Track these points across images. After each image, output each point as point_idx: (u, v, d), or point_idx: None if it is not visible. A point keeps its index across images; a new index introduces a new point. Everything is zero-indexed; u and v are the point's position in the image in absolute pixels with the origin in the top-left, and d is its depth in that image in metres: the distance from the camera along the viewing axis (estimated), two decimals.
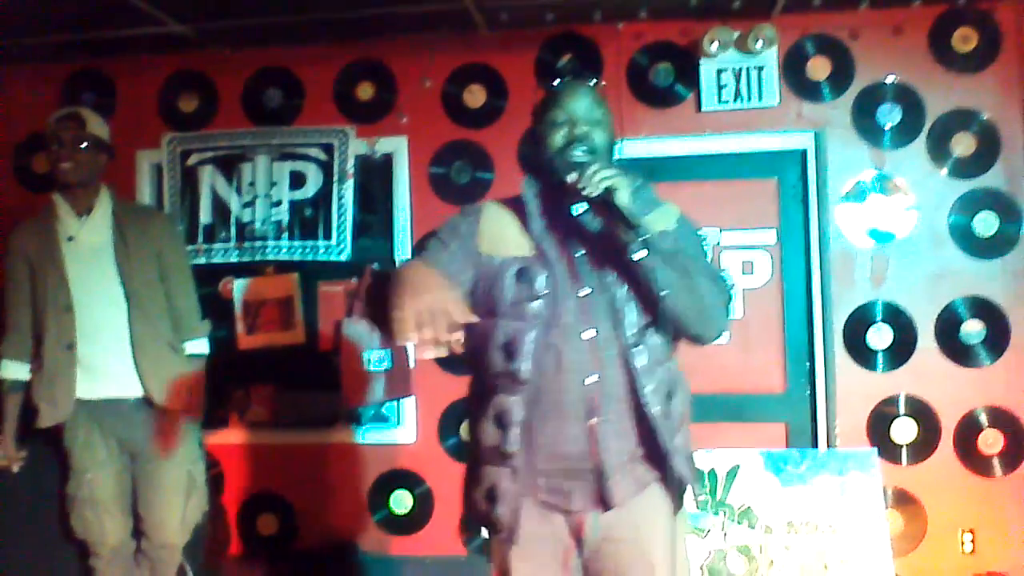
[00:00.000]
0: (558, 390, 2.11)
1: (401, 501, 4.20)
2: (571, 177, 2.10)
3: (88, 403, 3.23)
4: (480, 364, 2.22)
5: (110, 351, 3.23)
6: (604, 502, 2.16)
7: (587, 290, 2.14)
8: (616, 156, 2.31)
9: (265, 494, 4.26)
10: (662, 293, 2.07)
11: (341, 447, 4.24)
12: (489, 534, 2.32)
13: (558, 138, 2.21)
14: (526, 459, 2.15)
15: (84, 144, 3.23)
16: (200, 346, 3.45)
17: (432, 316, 1.84)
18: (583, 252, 2.18)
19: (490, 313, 2.17)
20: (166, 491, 3.30)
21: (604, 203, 2.06)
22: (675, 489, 2.20)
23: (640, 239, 2.03)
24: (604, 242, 2.14)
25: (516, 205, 2.30)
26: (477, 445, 2.25)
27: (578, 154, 2.15)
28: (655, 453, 2.16)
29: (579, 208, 2.13)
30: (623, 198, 2.04)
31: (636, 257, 2.03)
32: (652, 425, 2.13)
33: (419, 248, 2.30)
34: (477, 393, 2.28)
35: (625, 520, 2.19)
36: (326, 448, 4.24)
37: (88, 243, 3.27)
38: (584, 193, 2.07)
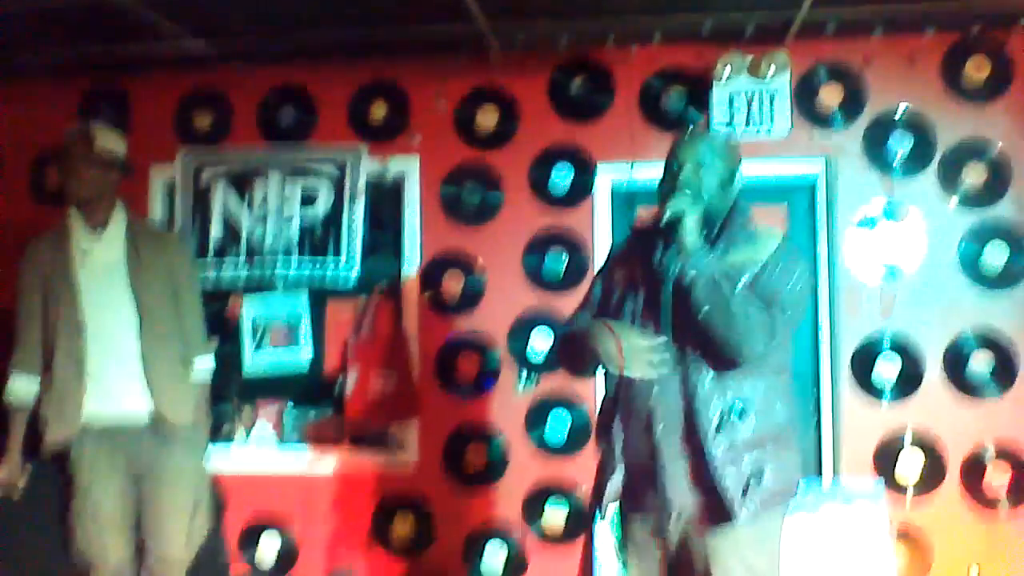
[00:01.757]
0: (632, 399, 2.44)
1: (403, 524, 4.20)
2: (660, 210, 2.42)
3: (95, 421, 3.24)
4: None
5: (120, 367, 3.24)
6: (667, 508, 2.41)
7: (656, 317, 2.43)
8: (735, 189, 2.53)
9: (267, 517, 4.27)
10: (701, 314, 2.31)
11: (344, 469, 4.25)
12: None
13: (663, 184, 2.51)
14: (617, 455, 2.48)
15: (92, 161, 3.24)
16: (206, 364, 3.47)
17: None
18: (658, 280, 2.44)
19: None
20: (170, 510, 3.31)
21: (670, 230, 2.37)
22: (727, 507, 2.34)
23: (688, 265, 2.32)
24: (665, 270, 2.42)
25: (637, 236, 2.67)
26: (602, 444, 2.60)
27: (677, 195, 2.41)
28: (703, 477, 2.35)
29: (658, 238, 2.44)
30: (687, 224, 2.35)
31: (685, 281, 2.33)
32: (703, 448, 2.34)
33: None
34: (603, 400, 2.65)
35: (696, 537, 2.41)
36: (329, 469, 4.25)
37: (101, 259, 3.28)
38: (661, 223, 2.39)
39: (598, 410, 2.63)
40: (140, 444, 3.26)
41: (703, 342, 2.35)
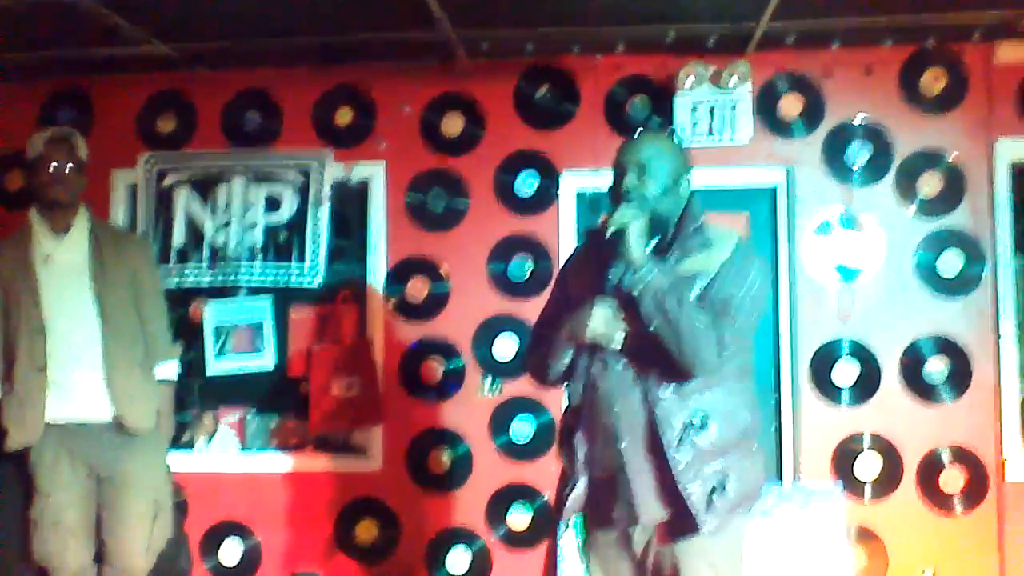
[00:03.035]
0: (595, 411, 2.43)
1: (367, 530, 4.19)
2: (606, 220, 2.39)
3: (57, 426, 3.21)
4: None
5: (82, 372, 3.21)
6: (634, 519, 2.41)
7: (620, 328, 2.40)
8: (683, 194, 2.49)
9: (230, 522, 4.24)
10: (651, 328, 2.31)
11: (307, 474, 4.23)
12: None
13: (610, 190, 2.49)
14: (579, 467, 2.47)
15: (73, 167, 3.25)
16: (170, 369, 3.45)
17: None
18: (615, 292, 2.41)
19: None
20: (132, 516, 3.28)
21: (616, 242, 2.34)
22: (692, 518, 2.34)
23: (634, 277, 2.31)
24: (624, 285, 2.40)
25: (590, 243, 2.68)
26: (565, 456, 2.59)
27: (621, 205, 2.38)
28: (670, 488, 2.35)
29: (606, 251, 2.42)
30: (629, 238, 2.32)
31: (633, 292, 2.32)
32: (668, 459, 2.34)
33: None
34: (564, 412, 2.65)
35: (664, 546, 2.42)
36: (292, 476, 4.24)
37: (64, 262, 3.26)
38: (607, 234, 2.35)
39: (560, 422, 2.63)
40: (101, 448, 3.24)
41: (655, 355, 2.34)
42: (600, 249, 2.46)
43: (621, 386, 2.39)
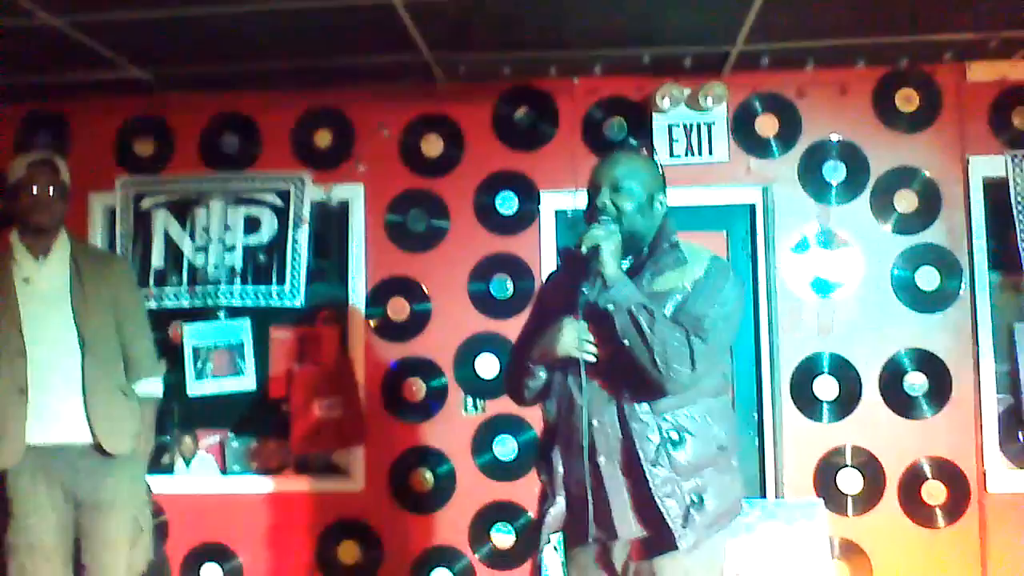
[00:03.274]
0: (571, 429, 2.43)
1: (349, 551, 4.15)
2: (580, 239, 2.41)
3: (35, 448, 3.16)
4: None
5: (61, 395, 3.17)
6: (611, 534, 2.40)
7: (593, 345, 2.42)
8: (658, 212, 2.52)
9: (211, 544, 4.19)
10: (623, 342, 2.33)
11: (289, 495, 4.20)
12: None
13: (585, 210, 2.52)
14: (558, 485, 2.48)
15: (56, 191, 3.23)
16: (155, 385, 3.42)
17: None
18: (590, 310, 2.42)
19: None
20: (111, 540, 3.22)
21: (590, 260, 2.37)
22: (670, 536, 2.35)
23: (607, 295, 2.34)
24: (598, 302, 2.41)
25: (566, 263, 2.65)
26: (542, 470, 2.59)
27: (596, 224, 2.42)
28: (646, 503, 2.36)
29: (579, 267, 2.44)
30: (603, 255, 2.34)
31: (607, 309, 2.34)
32: (646, 475, 2.34)
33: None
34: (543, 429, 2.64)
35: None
36: (273, 497, 4.20)
37: (44, 286, 3.23)
38: (581, 252, 2.38)
39: (539, 439, 2.63)
40: (78, 472, 3.19)
41: (629, 372, 2.35)
42: (576, 267, 2.46)
43: (597, 403, 2.40)
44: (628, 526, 2.39)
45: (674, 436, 2.37)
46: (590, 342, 2.40)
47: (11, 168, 3.24)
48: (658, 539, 2.37)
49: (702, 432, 2.40)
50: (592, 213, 2.47)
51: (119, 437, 3.24)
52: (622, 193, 2.45)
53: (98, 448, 3.19)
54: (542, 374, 2.52)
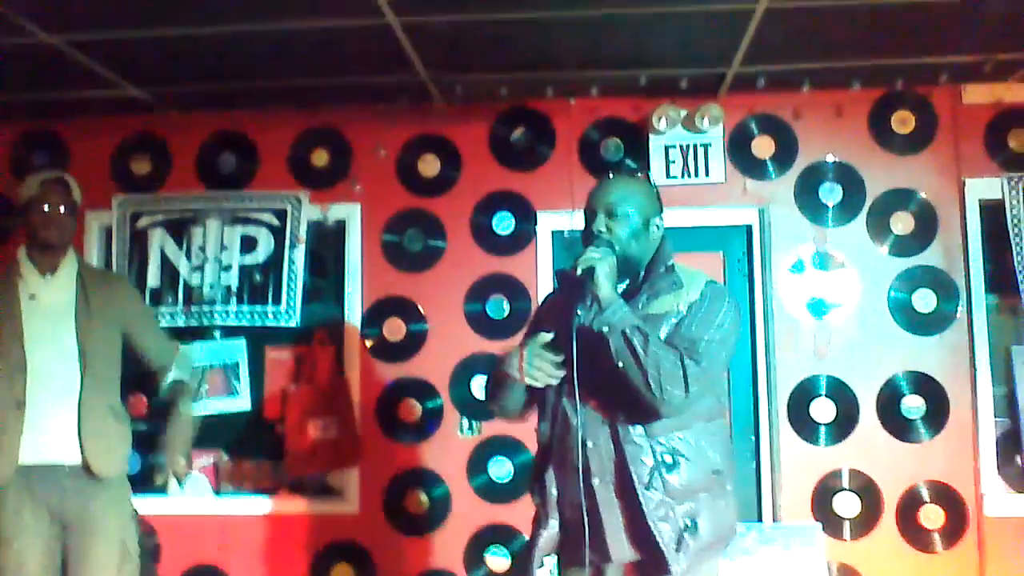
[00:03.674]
0: (566, 450, 2.42)
1: (343, 573, 4.12)
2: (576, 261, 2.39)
3: (23, 469, 3.14)
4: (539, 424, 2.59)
5: (55, 412, 3.15)
6: (605, 557, 2.40)
7: (589, 365, 2.38)
8: (654, 235, 2.52)
9: (204, 566, 4.15)
10: (618, 364, 2.31)
11: (283, 517, 4.17)
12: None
13: (584, 230, 2.51)
14: (551, 507, 2.48)
15: (67, 209, 3.25)
16: (181, 373, 3.47)
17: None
18: (585, 332, 2.40)
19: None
20: (98, 563, 3.18)
21: (585, 282, 2.35)
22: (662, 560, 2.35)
23: (601, 316, 2.32)
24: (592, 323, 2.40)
25: (561, 286, 2.65)
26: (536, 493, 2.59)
27: (591, 247, 2.40)
28: (639, 526, 2.35)
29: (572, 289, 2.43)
30: (598, 277, 2.32)
31: (602, 331, 2.32)
32: (639, 498, 2.34)
33: None
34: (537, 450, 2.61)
35: None
36: (267, 518, 4.17)
37: (49, 302, 3.22)
38: (576, 274, 2.37)
39: (532, 463, 2.61)
40: (64, 494, 3.16)
41: (623, 394, 2.34)
42: (572, 289, 2.46)
43: (591, 425, 2.39)
44: (622, 549, 2.38)
45: (668, 459, 2.36)
46: (555, 363, 2.39)
47: (24, 185, 3.25)
48: (651, 563, 2.36)
49: (696, 456, 2.39)
50: (588, 236, 2.47)
51: (108, 458, 3.21)
52: (617, 218, 2.45)
53: (86, 469, 3.16)
54: (517, 396, 2.53)
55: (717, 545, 2.44)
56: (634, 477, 2.34)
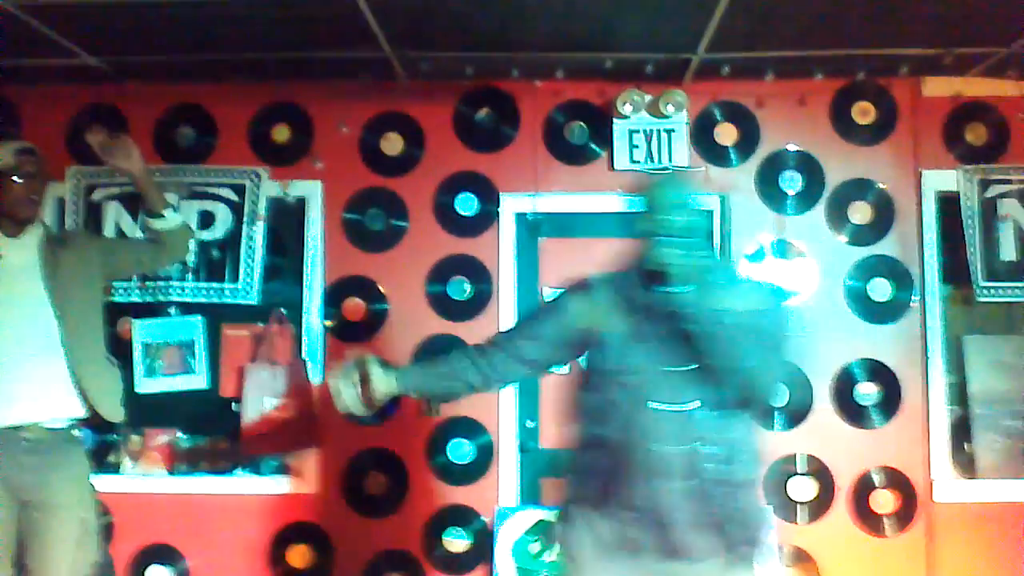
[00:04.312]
0: (632, 452, 2.39)
1: (301, 554, 4.09)
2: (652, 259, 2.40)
3: None
4: (578, 420, 2.57)
5: (30, 373, 3.10)
6: (670, 554, 2.40)
7: (659, 366, 2.41)
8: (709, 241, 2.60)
9: (158, 545, 4.10)
10: (718, 361, 2.34)
11: (239, 497, 4.12)
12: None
13: (650, 228, 2.44)
14: (607, 507, 2.44)
15: (42, 179, 3.22)
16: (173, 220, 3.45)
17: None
18: (662, 330, 2.41)
19: (591, 377, 2.54)
20: (57, 540, 3.13)
21: (668, 277, 2.36)
22: (735, 553, 2.41)
23: (691, 314, 2.33)
24: (672, 317, 2.39)
25: (619, 282, 2.58)
26: (570, 487, 2.58)
27: (664, 246, 2.38)
28: (716, 519, 2.38)
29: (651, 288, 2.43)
30: (682, 272, 2.35)
31: (697, 328, 2.33)
32: (710, 492, 2.36)
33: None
34: (576, 448, 2.57)
35: None
36: (223, 498, 4.12)
37: (15, 261, 3.17)
38: (646, 268, 2.39)
39: (582, 444, 2.55)
40: (23, 471, 3.11)
41: (716, 386, 2.37)
42: (628, 286, 2.49)
43: (658, 422, 2.38)
44: (691, 545, 2.38)
45: (732, 455, 2.39)
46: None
47: None
48: (723, 551, 2.40)
49: (752, 451, 2.47)
50: (657, 229, 2.41)
51: (111, 404, 3.23)
52: (688, 214, 2.44)
53: (92, 418, 3.17)
54: (456, 391, 2.69)
55: (766, 534, 2.56)
56: (704, 470, 2.36)
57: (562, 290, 2.72)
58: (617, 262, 2.63)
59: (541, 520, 3.95)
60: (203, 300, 4.17)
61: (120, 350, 4.03)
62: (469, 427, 4.09)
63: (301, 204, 4.23)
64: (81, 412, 3.16)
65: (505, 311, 4.14)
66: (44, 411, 3.12)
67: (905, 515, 3.99)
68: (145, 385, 4.14)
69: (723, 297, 2.39)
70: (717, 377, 2.36)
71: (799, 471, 4.02)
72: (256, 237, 4.17)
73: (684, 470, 2.36)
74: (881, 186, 4.13)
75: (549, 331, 2.62)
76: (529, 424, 4.13)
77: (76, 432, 3.25)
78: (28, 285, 3.15)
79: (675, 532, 2.37)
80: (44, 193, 3.25)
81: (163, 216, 3.44)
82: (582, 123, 4.21)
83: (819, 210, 4.14)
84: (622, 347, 2.45)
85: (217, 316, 4.20)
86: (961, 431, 4.07)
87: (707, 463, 2.36)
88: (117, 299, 4.12)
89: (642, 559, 2.43)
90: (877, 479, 4.01)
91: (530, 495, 4.08)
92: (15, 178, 3.14)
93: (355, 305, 4.18)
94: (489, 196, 4.19)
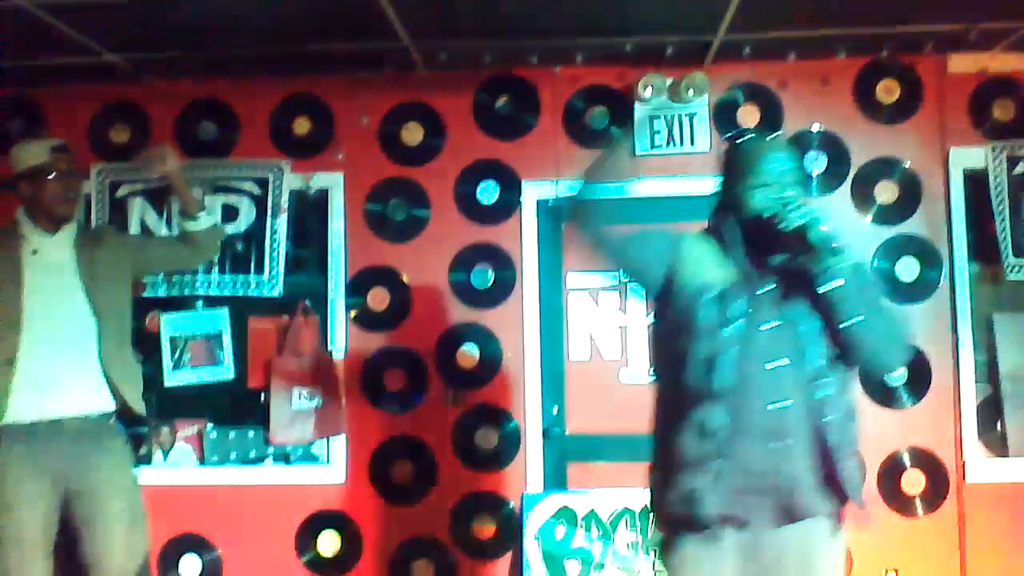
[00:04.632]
0: (747, 412, 2.33)
1: (329, 542, 4.13)
2: (769, 214, 2.34)
3: (26, 429, 3.11)
4: (675, 378, 2.43)
5: (66, 367, 3.16)
6: (783, 518, 2.38)
7: (775, 323, 2.36)
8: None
9: (189, 535, 4.15)
10: (850, 323, 2.31)
11: (269, 487, 4.16)
12: (672, 536, 2.49)
13: (767, 200, 2.39)
14: (721, 469, 2.34)
15: (76, 177, 3.30)
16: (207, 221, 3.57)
17: None
18: (774, 286, 2.39)
19: (687, 332, 2.40)
20: (114, 522, 3.20)
21: (799, 238, 2.28)
22: (843, 512, 2.45)
23: (833, 271, 2.28)
24: (794, 276, 2.36)
25: (713, 236, 2.54)
26: (673, 454, 2.41)
27: (791, 215, 2.30)
28: (831, 478, 2.37)
29: (775, 243, 2.36)
30: (816, 234, 2.26)
31: (828, 287, 2.29)
32: (830, 452, 2.34)
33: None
34: (673, 407, 2.45)
35: (797, 542, 2.40)
36: (253, 488, 4.16)
37: (52, 258, 3.24)
38: (780, 227, 2.30)
39: (686, 405, 2.41)
40: (68, 461, 3.16)
41: (850, 350, 2.36)
42: (743, 244, 2.44)
43: (778, 383, 2.34)
44: (815, 505, 2.38)
45: (847, 416, 2.41)
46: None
47: (28, 152, 3.23)
48: (826, 520, 2.42)
49: (858, 414, 2.47)
50: (778, 190, 2.40)
51: (135, 399, 3.32)
52: (798, 177, 2.49)
53: (98, 423, 3.19)
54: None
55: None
56: (825, 436, 2.34)
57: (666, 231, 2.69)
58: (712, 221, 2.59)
59: (565, 508, 3.95)
60: (228, 293, 4.20)
61: (148, 344, 4.11)
62: (495, 414, 4.09)
63: (323, 196, 4.24)
64: (112, 406, 3.21)
65: (529, 298, 4.14)
66: (81, 405, 3.18)
67: (936, 495, 3.96)
68: (173, 378, 4.18)
69: (839, 251, 2.32)
70: (842, 336, 2.34)
71: None
72: (279, 230, 4.19)
73: (804, 429, 2.34)
74: (907, 165, 4.08)
75: (653, 259, 2.59)
76: (555, 411, 4.13)
77: (113, 422, 3.31)
78: (65, 282, 3.22)
79: (795, 494, 2.35)
80: (79, 190, 3.31)
81: (197, 219, 3.49)
82: (603, 108, 4.19)
83: (844, 190, 4.09)
84: (726, 299, 2.38)
85: (242, 308, 4.23)
86: (992, 410, 4.03)
87: (828, 423, 2.34)
88: (144, 294, 4.16)
89: (749, 531, 2.40)
90: (907, 460, 3.98)
91: (556, 481, 4.08)
92: (51, 176, 3.17)
93: (379, 295, 4.19)
94: (510, 183, 4.18)
